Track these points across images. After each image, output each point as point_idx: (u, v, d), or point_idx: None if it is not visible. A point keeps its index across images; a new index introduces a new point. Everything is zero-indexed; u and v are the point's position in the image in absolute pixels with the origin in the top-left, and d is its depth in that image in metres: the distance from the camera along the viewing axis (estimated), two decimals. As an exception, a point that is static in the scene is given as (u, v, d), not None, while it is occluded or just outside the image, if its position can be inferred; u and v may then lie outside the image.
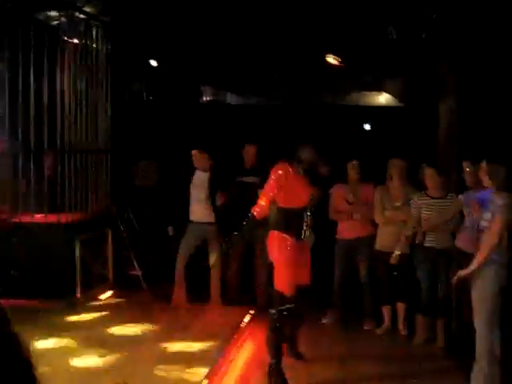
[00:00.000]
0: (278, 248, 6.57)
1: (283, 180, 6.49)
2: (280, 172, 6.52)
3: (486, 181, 6.25)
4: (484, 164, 6.31)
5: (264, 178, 8.97)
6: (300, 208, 6.66)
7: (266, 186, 6.57)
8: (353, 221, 8.73)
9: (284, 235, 6.58)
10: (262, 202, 6.51)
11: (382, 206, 8.38)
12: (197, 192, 9.19)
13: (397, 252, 7.98)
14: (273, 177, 6.52)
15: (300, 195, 6.64)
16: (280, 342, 6.56)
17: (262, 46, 11.17)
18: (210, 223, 9.12)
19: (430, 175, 7.98)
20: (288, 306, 6.44)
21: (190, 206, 9.23)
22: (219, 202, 9.15)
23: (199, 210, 9.18)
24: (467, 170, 7.45)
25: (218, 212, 9.13)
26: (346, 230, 8.78)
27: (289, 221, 6.64)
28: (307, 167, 6.68)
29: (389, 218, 8.34)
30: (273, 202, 6.61)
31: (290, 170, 6.57)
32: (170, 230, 9.47)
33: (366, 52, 10.86)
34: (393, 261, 8.00)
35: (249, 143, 9.59)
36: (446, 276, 7.71)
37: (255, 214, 6.46)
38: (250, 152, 9.53)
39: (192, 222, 9.22)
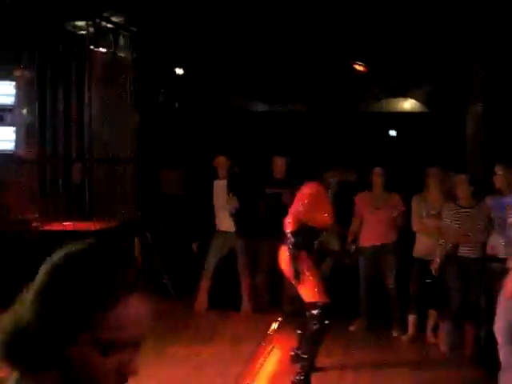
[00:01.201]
0: (304, 263, 6.57)
1: (314, 200, 6.55)
2: (312, 192, 6.56)
3: None
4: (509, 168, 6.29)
5: (291, 190, 9.06)
6: (321, 229, 6.72)
7: (298, 206, 6.56)
8: (377, 228, 8.71)
9: (303, 252, 6.60)
10: (290, 220, 6.51)
11: (419, 214, 8.33)
12: (219, 201, 9.22)
13: (437, 259, 7.91)
14: (305, 197, 6.54)
15: (325, 216, 6.70)
16: (318, 349, 6.68)
17: (289, 53, 11.19)
18: (234, 232, 9.16)
19: (461, 183, 7.87)
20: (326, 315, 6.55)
21: (215, 216, 9.27)
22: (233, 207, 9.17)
23: (223, 219, 9.21)
24: (500, 173, 7.37)
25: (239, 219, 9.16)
26: (371, 237, 8.75)
27: (310, 240, 6.68)
28: (336, 189, 6.78)
29: (426, 226, 8.30)
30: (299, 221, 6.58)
31: (321, 190, 6.64)
32: (195, 246, 9.44)
33: (393, 58, 10.85)
34: (435, 265, 7.91)
35: (276, 155, 9.59)
36: (477, 285, 7.66)
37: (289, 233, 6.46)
38: (278, 164, 9.53)
39: (218, 231, 9.27)
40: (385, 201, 8.75)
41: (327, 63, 11.83)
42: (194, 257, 9.51)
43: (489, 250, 7.34)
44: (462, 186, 7.81)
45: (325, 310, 6.55)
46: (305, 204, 6.54)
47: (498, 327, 6.17)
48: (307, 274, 6.57)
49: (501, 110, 11.34)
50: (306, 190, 6.60)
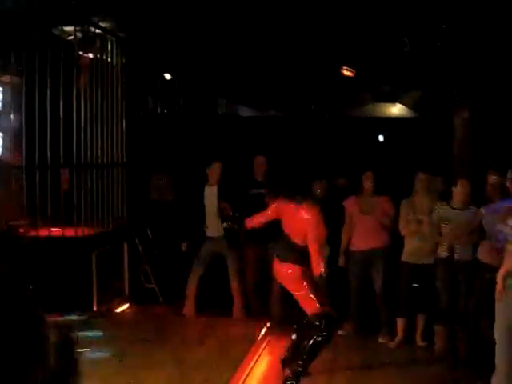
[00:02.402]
0: (305, 277, 6.68)
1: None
2: (319, 217, 6.68)
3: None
4: (510, 173, 6.35)
5: (273, 190, 9.09)
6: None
7: (317, 232, 6.63)
8: (367, 232, 8.72)
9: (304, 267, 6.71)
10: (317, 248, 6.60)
11: (406, 217, 8.34)
12: (209, 207, 9.21)
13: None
14: (317, 223, 6.64)
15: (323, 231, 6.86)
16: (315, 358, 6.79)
17: (276, 58, 11.21)
18: (222, 237, 9.14)
19: (462, 186, 7.90)
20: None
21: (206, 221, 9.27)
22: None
23: (213, 225, 9.19)
24: (493, 181, 7.43)
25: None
26: (361, 242, 8.76)
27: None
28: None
29: (413, 230, 8.31)
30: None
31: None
32: (184, 246, 9.42)
33: (381, 64, 10.88)
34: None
35: (258, 154, 9.61)
36: (466, 288, 7.70)
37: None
38: (259, 163, 9.55)
39: (207, 237, 9.26)
40: (374, 205, 8.77)
41: (316, 68, 11.85)
42: (183, 261, 9.48)
43: (479, 256, 7.39)
44: (462, 190, 7.83)
45: (329, 320, 6.65)
46: (321, 228, 6.67)
47: (499, 329, 6.19)
48: (309, 287, 6.66)
49: (488, 114, 11.38)
50: (314, 218, 6.65)
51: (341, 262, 8.83)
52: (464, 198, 7.86)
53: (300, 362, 6.74)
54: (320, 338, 6.64)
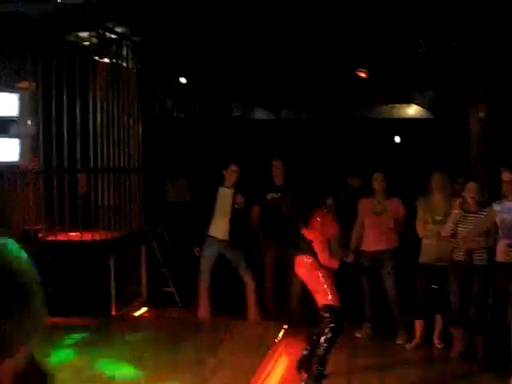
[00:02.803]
0: (320, 267, 6.90)
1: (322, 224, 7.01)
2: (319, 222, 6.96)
3: None
4: None
5: (294, 194, 9.09)
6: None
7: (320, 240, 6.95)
8: (378, 233, 8.71)
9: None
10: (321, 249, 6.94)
11: (424, 220, 8.31)
12: (222, 208, 9.18)
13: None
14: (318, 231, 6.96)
15: (332, 228, 7.19)
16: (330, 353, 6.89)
17: (292, 60, 11.22)
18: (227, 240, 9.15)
19: (471, 189, 7.88)
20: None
21: (211, 223, 9.23)
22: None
23: (221, 227, 9.16)
24: (507, 178, 7.41)
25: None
26: (372, 243, 8.76)
27: None
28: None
29: (430, 231, 8.27)
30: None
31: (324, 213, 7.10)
32: (197, 251, 9.38)
33: (395, 64, 10.86)
34: None
35: (276, 158, 9.62)
36: (479, 291, 7.67)
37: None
38: (277, 167, 9.56)
39: (212, 238, 9.22)
40: (385, 207, 8.76)
41: (330, 70, 11.85)
42: (196, 262, 9.48)
43: (497, 257, 7.38)
44: (471, 193, 7.80)
45: (338, 313, 6.81)
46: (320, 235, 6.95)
47: None
48: (323, 279, 6.85)
49: (504, 114, 11.34)
50: (315, 224, 6.95)
51: (350, 258, 8.83)
52: (472, 201, 7.83)
53: (316, 365, 6.78)
54: (330, 334, 6.73)
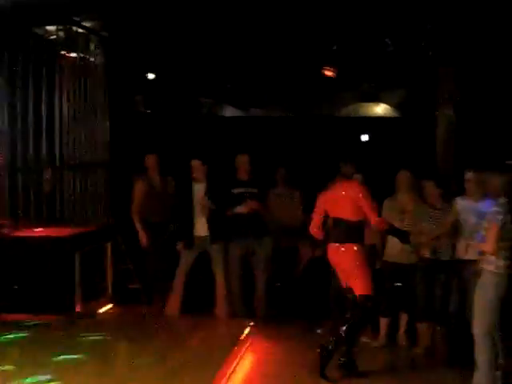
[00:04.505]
0: (359, 256, 7.14)
1: None
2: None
3: (484, 188, 6.33)
4: (480, 172, 6.39)
5: (260, 189, 9.08)
6: None
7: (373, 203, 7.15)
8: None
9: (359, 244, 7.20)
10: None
11: (390, 218, 8.32)
12: (196, 204, 9.16)
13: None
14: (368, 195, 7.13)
15: None
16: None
17: (259, 58, 11.20)
18: (208, 237, 9.12)
19: (428, 187, 7.99)
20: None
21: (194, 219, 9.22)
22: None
23: (200, 224, 9.15)
24: (470, 178, 7.48)
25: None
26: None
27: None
28: None
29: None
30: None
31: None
32: (180, 247, 9.28)
33: (364, 63, 10.90)
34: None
35: (241, 153, 9.58)
36: (443, 288, 7.77)
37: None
38: (242, 162, 9.51)
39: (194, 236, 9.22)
40: None
41: (299, 68, 11.86)
42: (165, 260, 9.42)
43: (458, 254, 7.44)
44: (429, 191, 7.91)
45: (371, 304, 7.09)
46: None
47: (478, 324, 6.25)
48: (361, 266, 7.09)
49: (471, 114, 11.44)
50: (365, 189, 7.20)
51: (318, 252, 8.92)
52: (431, 199, 7.95)
53: (342, 358, 7.11)
54: (355, 324, 7.04)
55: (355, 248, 7.12)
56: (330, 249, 7.31)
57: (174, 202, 9.41)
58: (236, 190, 9.38)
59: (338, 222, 7.25)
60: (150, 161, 9.60)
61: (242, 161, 9.53)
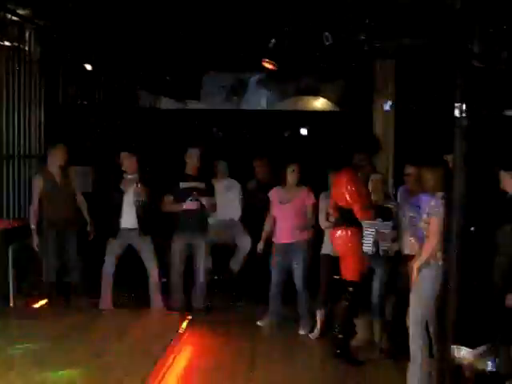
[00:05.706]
0: (351, 239, 7.53)
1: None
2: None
3: (422, 183, 6.41)
4: (419, 168, 6.47)
5: (208, 184, 9.03)
6: None
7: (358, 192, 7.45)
8: (290, 225, 8.69)
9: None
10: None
11: (326, 211, 8.33)
12: (127, 197, 9.03)
13: None
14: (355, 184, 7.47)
15: None
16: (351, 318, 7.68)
17: (198, 50, 11.13)
18: (137, 229, 9.02)
19: (376, 182, 7.99)
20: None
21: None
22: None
23: (129, 216, 9.03)
24: (409, 173, 7.58)
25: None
26: (283, 235, 8.74)
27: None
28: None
29: (332, 223, 8.30)
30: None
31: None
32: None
33: (303, 56, 10.90)
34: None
35: (192, 147, 9.48)
36: (380, 279, 7.84)
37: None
38: (191, 156, 9.41)
39: (120, 229, 9.09)
40: (293, 195, 8.74)
41: (238, 61, 11.83)
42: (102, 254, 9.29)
43: (404, 249, 7.54)
44: (376, 185, 7.93)
45: (358, 291, 7.52)
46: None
47: (413, 317, 6.31)
48: (354, 250, 7.51)
49: (409, 109, 11.57)
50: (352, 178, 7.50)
51: (259, 248, 8.89)
52: (380, 193, 7.99)
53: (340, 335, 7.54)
54: (347, 304, 7.47)
55: (340, 232, 7.54)
56: (330, 234, 7.79)
57: (76, 194, 9.35)
58: (184, 185, 9.29)
59: (337, 208, 7.65)
60: (58, 152, 9.32)
61: (191, 155, 9.43)
